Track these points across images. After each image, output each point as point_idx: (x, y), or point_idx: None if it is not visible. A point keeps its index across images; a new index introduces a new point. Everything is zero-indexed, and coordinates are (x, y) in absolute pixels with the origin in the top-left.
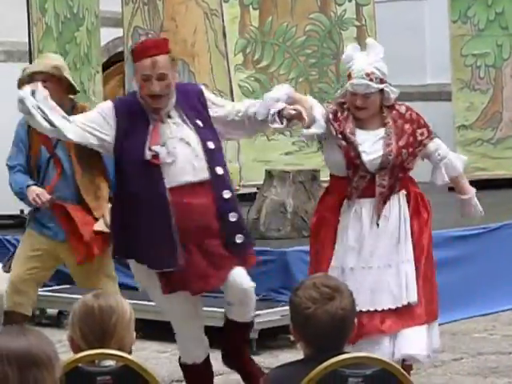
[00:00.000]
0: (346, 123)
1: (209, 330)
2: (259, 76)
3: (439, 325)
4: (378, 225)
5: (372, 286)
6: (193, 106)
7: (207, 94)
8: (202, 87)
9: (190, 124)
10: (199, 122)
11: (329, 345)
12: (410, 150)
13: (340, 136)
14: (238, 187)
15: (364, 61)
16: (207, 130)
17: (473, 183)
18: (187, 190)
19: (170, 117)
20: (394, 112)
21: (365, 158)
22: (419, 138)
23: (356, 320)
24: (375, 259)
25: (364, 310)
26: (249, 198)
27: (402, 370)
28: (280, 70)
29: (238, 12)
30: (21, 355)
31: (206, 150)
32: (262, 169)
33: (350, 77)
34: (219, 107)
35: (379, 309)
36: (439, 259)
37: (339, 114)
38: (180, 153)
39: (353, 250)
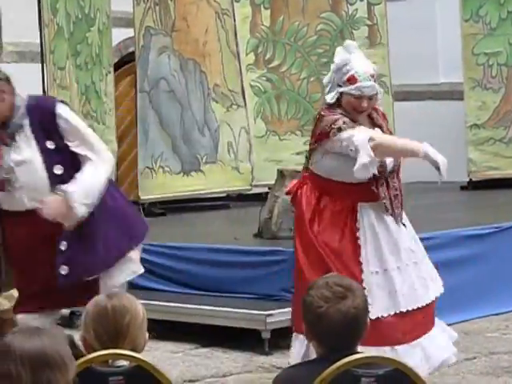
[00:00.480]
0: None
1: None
2: (271, 75)
3: (452, 324)
4: (404, 225)
5: (412, 284)
6: (45, 126)
7: (64, 118)
8: (59, 109)
9: (38, 146)
10: (49, 144)
11: (341, 344)
12: None
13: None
14: (250, 186)
15: (363, 62)
16: (57, 153)
17: (485, 182)
18: (23, 217)
19: (14, 138)
20: (379, 112)
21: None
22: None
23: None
24: (406, 257)
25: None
26: (260, 198)
27: (414, 370)
28: (291, 70)
29: (249, 11)
30: (34, 356)
31: (51, 176)
32: (273, 168)
33: (352, 80)
34: (71, 142)
35: (421, 305)
36: (452, 258)
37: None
38: (20, 177)
39: (390, 252)
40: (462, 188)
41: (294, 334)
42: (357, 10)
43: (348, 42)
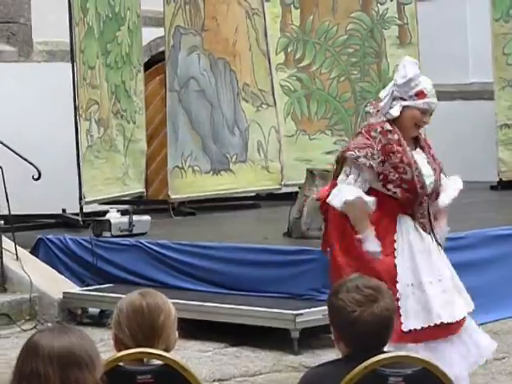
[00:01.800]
0: (404, 151)
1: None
2: (301, 75)
3: (482, 324)
4: (439, 245)
5: (446, 297)
6: None
7: None
8: None
9: None
10: None
11: (372, 345)
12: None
13: (406, 167)
14: (279, 186)
15: (427, 78)
16: None
17: None
18: None
19: None
20: (423, 136)
21: (427, 181)
22: (438, 160)
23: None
24: (441, 272)
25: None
26: (290, 197)
27: (442, 370)
28: (321, 69)
29: (279, 11)
30: (63, 354)
31: None
32: (303, 168)
33: (420, 95)
34: None
35: (460, 318)
36: (480, 258)
37: (391, 146)
38: None
39: (426, 266)
40: (492, 188)
41: None
42: (387, 9)
43: (408, 58)
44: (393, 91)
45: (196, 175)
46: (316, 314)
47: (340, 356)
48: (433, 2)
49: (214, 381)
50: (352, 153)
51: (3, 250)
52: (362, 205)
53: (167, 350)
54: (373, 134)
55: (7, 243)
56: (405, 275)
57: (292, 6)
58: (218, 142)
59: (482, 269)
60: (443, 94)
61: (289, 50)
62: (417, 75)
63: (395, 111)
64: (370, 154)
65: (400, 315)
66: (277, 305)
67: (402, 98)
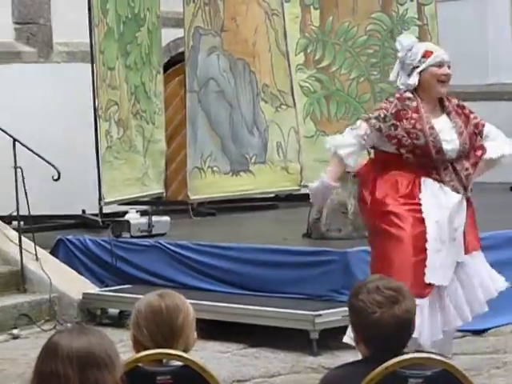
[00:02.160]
0: (420, 117)
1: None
2: (320, 76)
3: (505, 325)
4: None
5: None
6: None
7: None
8: None
9: None
10: None
11: (392, 346)
12: (474, 137)
13: (419, 133)
14: (298, 187)
15: (424, 42)
16: None
17: None
18: None
19: None
20: (449, 100)
21: (446, 146)
22: (475, 121)
23: None
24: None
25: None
26: (309, 198)
27: (462, 371)
28: (341, 70)
29: (298, 12)
30: (82, 355)
31: None
32: (322, 169)
33: (428, 54)
34: None
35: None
36: (501, 260)
37: (406, 112)
38: None
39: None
40: None
41: None
42: (407, 10)
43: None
44: (402, 66)
45: (215, 176)
46: (335, 315)
47: (359, 357)
48: (453, 2)
49: (233, 382)
50: (366, 115)
51: (23, 251)
52: (341, 161)
53: (186, 350)
54: (390, 98)
55: (27, 244)
56: (433, 231)
57: (311, 6)
58: (238, 142)
59: (502, 269)
60: (463, 95)
61: (308, 50)
62: (413, 41)
63: (413, 80)
64: (382, 116)
65: (425, 266)
66: (296, 306)
67: (413, 67)
